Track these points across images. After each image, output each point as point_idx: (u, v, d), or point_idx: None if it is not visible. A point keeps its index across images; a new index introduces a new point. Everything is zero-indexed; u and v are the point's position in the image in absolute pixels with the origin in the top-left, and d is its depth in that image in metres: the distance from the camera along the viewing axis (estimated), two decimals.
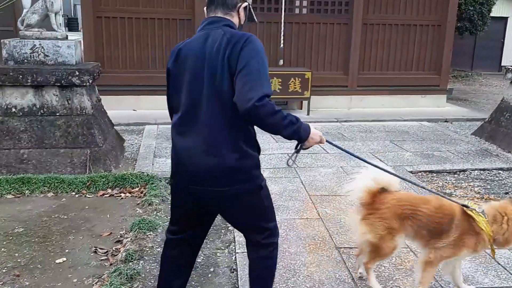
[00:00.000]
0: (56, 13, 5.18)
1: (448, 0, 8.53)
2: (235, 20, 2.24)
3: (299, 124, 2.12)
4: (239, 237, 3.47)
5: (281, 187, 4.48)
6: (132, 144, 5.96)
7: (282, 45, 8.00)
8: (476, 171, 5.29)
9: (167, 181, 4.61)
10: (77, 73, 4.87)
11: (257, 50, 2.07)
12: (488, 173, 5.27)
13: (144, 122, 7.09)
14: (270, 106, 1.98)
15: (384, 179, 2.72)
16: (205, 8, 2.28)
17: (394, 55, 8.74)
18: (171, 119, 2.31)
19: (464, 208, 2.60)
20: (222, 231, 3.66)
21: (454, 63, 17.53)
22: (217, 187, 2.12)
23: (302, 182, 4.70)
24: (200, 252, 3.24)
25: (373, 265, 2.84)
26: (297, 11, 8.26)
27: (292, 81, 7.78)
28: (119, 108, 7.79)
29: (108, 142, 5.20)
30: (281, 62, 8.08)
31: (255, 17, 2.36)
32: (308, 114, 7.99)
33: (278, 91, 7.68)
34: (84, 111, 4.97)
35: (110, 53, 7.79)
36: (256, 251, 2.32)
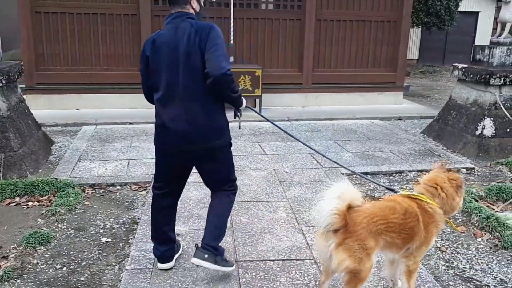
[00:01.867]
0: None
1: None
2: (191, 11, 2.76)
3: (240, 92, 2.82)
4: (135, 251, 3.24)
5: (201, 194, 4.26)
6: (61, 147, 5.67)
7: (232, 42, 7.75)
8: (413, 173, 5.13)
9: (82, 187, 4.38)
10: None
11: (219, 35, 2.68)
12: (425, 174, 5.09)
13: (83, 122, 6.81)
14: (232, 76, 2.65)
15: (348, 194, 2.44)
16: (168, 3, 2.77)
17: (350, 51, 8.56)
18: (149, 100, 2.90)
19: (413, 196, 2.59)
20: (121, 244, 3.42)
21: (425, 58, 17.56)
22: (199, 144, 2.68)
23: None
24: (87, 269, 3.02)
25: None
26: (247, 6, 8.01)
27: (242, 79, 7.55)
28: (62, 107, 7.52)
29: (28, 146, 4.92)
30: (231, 59, 7.81)
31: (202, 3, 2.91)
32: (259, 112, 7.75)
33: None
34: None
35: (51, 50, 7.46)
36: (221, 197, 2.91)
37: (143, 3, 7.48)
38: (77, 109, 7.59)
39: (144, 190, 4.42)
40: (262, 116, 3.37)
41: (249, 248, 3.34)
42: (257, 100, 7.81)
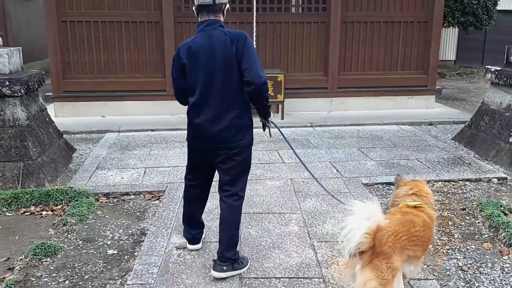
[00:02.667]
0: None
1: None
2: (222, 19, 2.94)
3: (270, 103, 3.07)
4: (139, 265, 3.17)
5: (213, 204, 4.16)
6: (82, 155, 5.72)
7: (254, 47, 7.63)
8: (440, 183, 4.86)
9: (96, 196, 4.37)
10: (7, 83, 4.66)
11: (252, 43, 2.90)
12: (453, 184, 4.83)
13: (107, 129, 6.86)
14: (268, 85, 2.89)
15: (377, 214, 2.39)
16: (194, 10, 2.93)
17: (377, 54, 8.28)
18: (180, 101, 3.12)
19: (419, 206, 2.68)
20: (126, 257, 3.36)
21: (462, 59, 16.87)
22: (227, 143, 2.90)
23: None
24: (89, 283, 2.98)
25: None
26: (270, 10, 7.89)
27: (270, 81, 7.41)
28: (88, 115, 7.62)
29: (48, 154, 4.97)
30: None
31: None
32: (282, 118, 7.62)
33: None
34: (17, 122, 4.75)
35: (77, 58, 7.59)
36: (231, 200, 3.03)
37: (167, 10, 7.50)
38: (102, 116, 7.68)
39: (158, 199, 4.37)
40: (275, 126, 3.39)
41: (255, 264, 3.21)
42: (280, 106, 7.67)
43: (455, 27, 13.65)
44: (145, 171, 5.05)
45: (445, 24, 12.10)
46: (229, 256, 2.98)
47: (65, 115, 7.62)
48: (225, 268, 2.96)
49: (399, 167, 5.28)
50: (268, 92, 2.92)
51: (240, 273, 3.04)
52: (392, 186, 4.77)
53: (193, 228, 3.35)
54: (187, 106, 3.03)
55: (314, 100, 8.18)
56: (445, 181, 4.90)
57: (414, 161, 5.51)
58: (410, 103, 8.41)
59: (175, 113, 7.78)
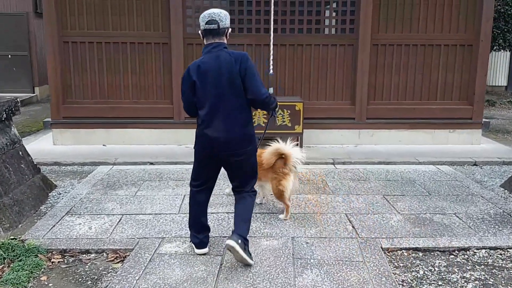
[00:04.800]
0: None
1: (480, 14, 6.95)
2: (225, 41, 3.29)
3: (274, 97, 3.53)
4: None
5: (184, 273, 3.29)
6: (60, 193, 5.02)
7: (271, 71, 6.81)
8: (483, 251, 3.78)
9: (50, 253, 3.61)
10: None
11: (252, 64, 3.27)
12: (501, 254, 3.74)
13: (102, 161, 6.18)
14: (270, 96, 3.37)
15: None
16: (200, 33, 3.28)
17: (413, 81, 7.25)
18: (190, 114, 3.36)
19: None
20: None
21: None
22: (235, 150, 3.25)
23: (220, 264, 3.47)
24: None
25: None
26: (290, 31, 7.06)
27: (280, 114, 6.57)
28: (89, 143, 7.01)
29: (12, 195, 4.29)
30: (271, 90, 6.87)
31: None
32: None
33: (263, 124, 6.51)
34: None
35: (79, 82, 7.01)
36: (244, 198, 3.42)
37: (175, 30, 6.82)
38: (103, 145, 7.04)
39: (121, 261, 3.54)
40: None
41: None
42: (299, 138, 6.76)
43: (507, 51, 12.32)
44: (120, 220, 4.26)
45: (495, 47, 10.87)
46: (244, 235, 3.32)
47: (64, 143, 7.03)
48: (239, 242, 3.23)
49: (431, 225, 4.23)
50: (271, 100, 3.38)
51: (246, 262, 3.32)
52: (420, 253, 3.75)
53: (200, 232, 3.55)
54: (196, 118, 3.35)
55: (339, 132, 7.22)
56: (491, 248, 3.81)
57: (452, 216, 4.44)
58: (451, 138, 7.30)
59: (182, 142, 7.04)
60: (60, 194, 5.01)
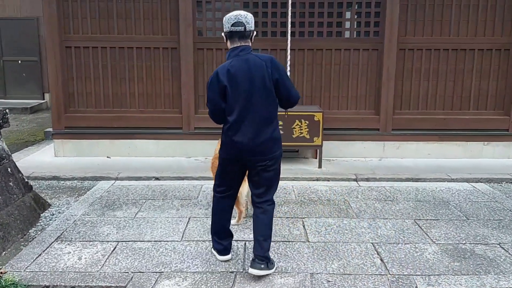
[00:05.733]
0: None
1: None
2: (250, 44, 3.23)
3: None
4: None
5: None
6: (53, 214, 4.55)
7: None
8: None
9: None
10: None
11: (282, 66, 3.26)
12: None
13: (104, 175, 5.70)
14: (299, 97, 3.32)
15: None
16: (223, 35, 3.22)
17: (444, 89, 6.62)
18: (216, 120, 3.26)
19: None
20: None
21: None
22: (263, 155, 3.19)
23: None
24: None
25: None
26: (309, 35, 6.50)
27: (297, 124, 6.01)
28: (92, 154, 6.57)
29: None
30: None
31: None
32: (319, 166, 6.13)
33: None
34: None
35: (81, 89, 6.57)
36: (266, 211, 3.31)
37: (185, 34, 6.33)
38: (107, 157, 6.58)
39: None
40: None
41: None
42: (318, 151, 6.19)
43: None
44: (114, 248, 3.75)
45: None
46: (266, 255, 3.26)
47: (66, 155, 6.60)
48: (262, 266, 3.22)
49: (473, 259, 3.62)
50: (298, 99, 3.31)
51: (271, 273, 3.29)
52: None
53: (223, 238, 3.50)
54: (222, 125, 3.26)
55: (362, 144, 6.63)
56: None
57: (496, 248, 3.82)
58: (486, 151, 6.64)
59: (191, 154, 6.55)
60: (53, 215, 4.53)
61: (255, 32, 3.25)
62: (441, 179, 5.74)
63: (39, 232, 4.11)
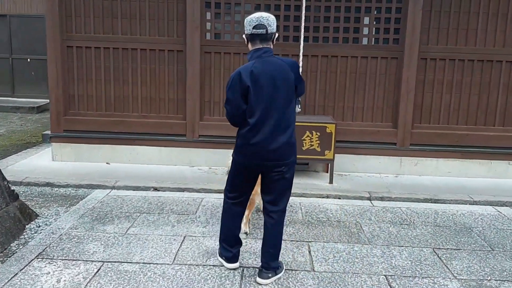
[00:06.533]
0: None
1: None
2: (272, 47, 3.17)
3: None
4: None
5: None
6: (39, 226, 4.21)
7: None
8: None
9: None
10: None
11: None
12: None
13: (100, 183, 5.37)
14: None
15: None
16: (244, 37, 3.17)
17: (467, 103, 6.15)
18: (235, 123, 3.19)
19: None
20: None
21: None
22: (280, 160, 3.12)
23: None
24: None
25: None
26: (324, 40, 6.10)
27: (308, 136, 5.61)
28: (91, 160, 6.25)
29: None
30: (298, 109, 5.90)
31: None
32: (331, 182, 5.72)
33: None
34: None
35: (82, 91, 6.26)
36: (277, 216, 3.25)
37: (192, 36, 5.99)
38: (107, 163, 6.25)
39: None
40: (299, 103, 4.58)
41: None
42: (329, 166, 5.78)
43: None
44: (98, 269, 3.39)
45: None
46: (274, 265, 3.29)
47: (64, 159, 6.29)
48: (270, 275, 3.25)
49: None
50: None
51: (280, 277, 3.30)
52: None
53: (233, 246, 3.43)
54: (238, 129, 3.21)
55: (377, 159, 6.20)
56: None
57: None
58: (511, 171, 6.15)
59: (194, 163, 6.20)
60: (39, 226, 4.20)
61: (277, 34, 3.17)
62: (463, 201, 5.28)
63: (21, 247, 3.78)
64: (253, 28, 3.07)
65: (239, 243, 3.47)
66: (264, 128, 3.05)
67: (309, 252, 3.81)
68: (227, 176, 3.43)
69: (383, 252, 3.86)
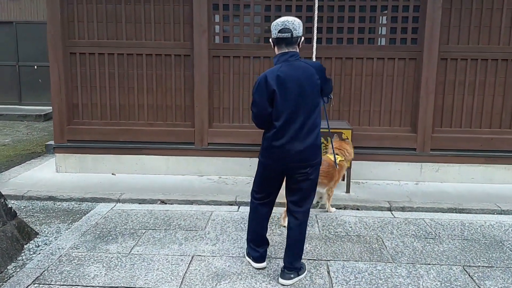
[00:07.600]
0: None
1: None
2: (298, 50, 3.20)
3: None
4: None
5: None
6: (38, 246, 3.96)
7: None
8: None
9: None
10: None
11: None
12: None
13: (104, 196, 5.12)
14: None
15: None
16: (271, 41, 3.23)
17: (491, 105, 5.80)
18: (261, 125, 3.24)
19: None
20: None
21: None
22: (306, 162, 3.16)
23: None
24: None
25: None
26: (338, 42, 5.80)
27: (322, 143, 5.29)
28: (96, 171, 6.02)
29: None
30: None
31: None
32: (347, 191, 5.41)
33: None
34: None
35: (86, 99, 6.03)
36: (301, 216, 3.30)
37: (199, 40, 5.72)
38: (112, 174, 6.01)
39: None
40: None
41: None
42: (346, 173, 5.46)
43: None
44: None
45: None
46: (297, 265, 3.33)
47: (68, 170, 6.06)
48: (292, 276, 3.29)
49: None
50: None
51: (302, 277, 3.34)
52: None
53: (260, 246, 3.50)
54: (264, 131, 3.25)
55: (396, 166, 5.87)
56: None
57: None
58: None
59: (204, 173, 5.93)
60: (38, 246, 3.94)
61: (303, 38, 3.18)
62: (490, 211, 4.94)
63: (18, 270, 3.52)
64: (278, 32, 3.10)
65: (266, 243, 3.54)
66: (289, 131, 3.10)
67: (328, 272, 3.50)
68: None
69: (409, 272, 3.54)
